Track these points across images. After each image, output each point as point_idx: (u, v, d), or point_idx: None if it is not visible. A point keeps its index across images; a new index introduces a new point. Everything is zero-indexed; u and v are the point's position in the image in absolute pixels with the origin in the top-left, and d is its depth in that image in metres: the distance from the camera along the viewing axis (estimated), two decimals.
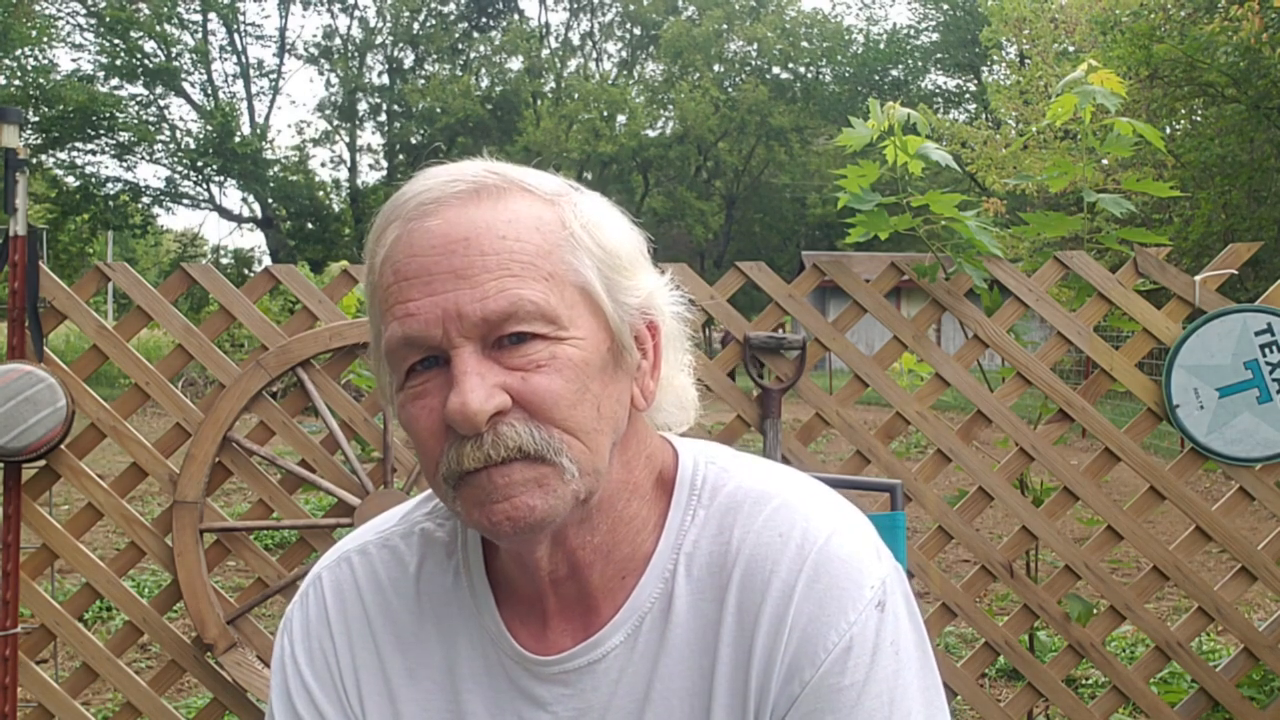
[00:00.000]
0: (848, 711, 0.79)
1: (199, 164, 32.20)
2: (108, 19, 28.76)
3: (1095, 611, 2.57)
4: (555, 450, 0.76)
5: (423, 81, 36.59)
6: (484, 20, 39.31)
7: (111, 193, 30.26)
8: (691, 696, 0.83)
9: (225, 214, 35.96)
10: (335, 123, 38.09)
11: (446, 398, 0.75)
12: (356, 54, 37.68)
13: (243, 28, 35.29)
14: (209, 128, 31.84)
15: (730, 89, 37.23)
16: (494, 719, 0.86)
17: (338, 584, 0.92)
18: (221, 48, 35.32)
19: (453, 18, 38.94)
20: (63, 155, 28.92)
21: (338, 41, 37.63)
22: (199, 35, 33.61)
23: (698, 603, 0.84)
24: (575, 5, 40.41)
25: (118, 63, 29.89)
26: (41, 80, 26.42)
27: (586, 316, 0.79)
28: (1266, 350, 2.44)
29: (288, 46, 37.19)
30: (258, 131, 34.83)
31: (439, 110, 34.65)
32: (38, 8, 26.77)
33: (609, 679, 0.84)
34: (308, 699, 0.89)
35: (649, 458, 0.87)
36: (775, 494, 0.86)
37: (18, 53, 25.45)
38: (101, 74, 29.77)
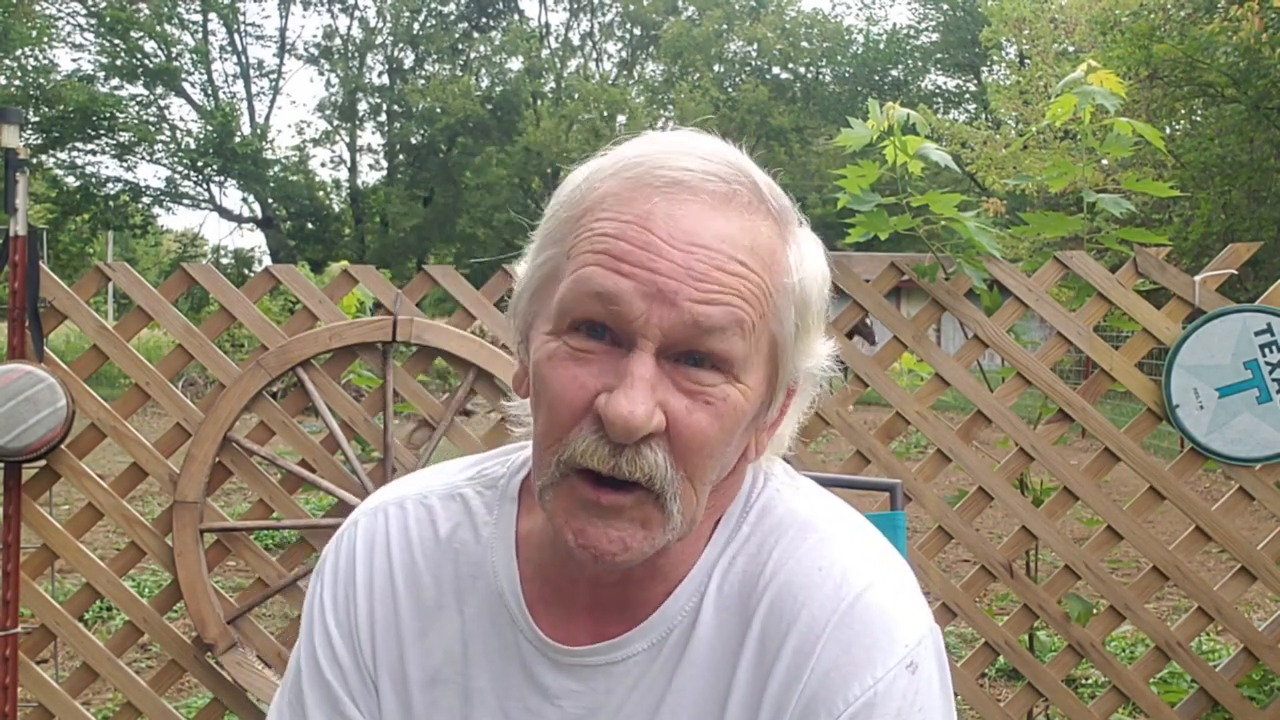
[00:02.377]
0: None
1: (199, 164, 32.19)
2: (108, 19, 28.76)
3: (1095, 611, 2.57)
4: (674, 495, 0.73)
5: (423, 81, 36.57)
6: (484, 20, 39.30)
7: (112, 193, 30.25)
8: (701, 716, 0.80)
9: (225, 214, 35.96)
10: (335, 123, 38.08)
11: (606, 384, 0.70)
12: (356, 54, 37.67)
13: (243, 28, 35.29)
14: (209, 128, 31.83)
15: (730, 89, 37.22)
16: (500, 700, 0.84)
17: (370, 534, 0.90)
18: (222, 48, 35.33)
19: (453, 18, 38.93)
20: (63, 155, 28.92)
21: (338, 41, 37.63)
22: (199, 35, 33.61)
23: (724, 620, 0.81)
24: (575, 5, 40.41)
25: (118, 63, 29.88)
26: (42, 80, 26.42)
27: (762, 367, 0.75)
28: (1266, 350, 2.44)
29: (288, 46, 37.21)
30: (258, 132, 34.82)
31: (439, 110, 34.61)
32: (38, 8, 26.77)
33: (625, 684, 0.82)
34: (327, 644, 0.88)
35: (726, 493, 0.84)
36: (823, 526, 0.82)
37: (18, 53, 25.45)
38: (102, 74, 29.76)
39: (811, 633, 0.77)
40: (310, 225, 36.23)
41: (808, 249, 0.79)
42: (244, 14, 35.44)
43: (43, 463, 2.53)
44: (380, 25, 37.96)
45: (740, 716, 0.79)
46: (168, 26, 31.34)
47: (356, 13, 37.69)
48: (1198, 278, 2.51)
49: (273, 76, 37.46)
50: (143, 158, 31.15)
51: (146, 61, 30.61)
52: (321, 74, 38.50)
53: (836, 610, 0.77)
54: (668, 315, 0.70)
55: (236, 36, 35.28)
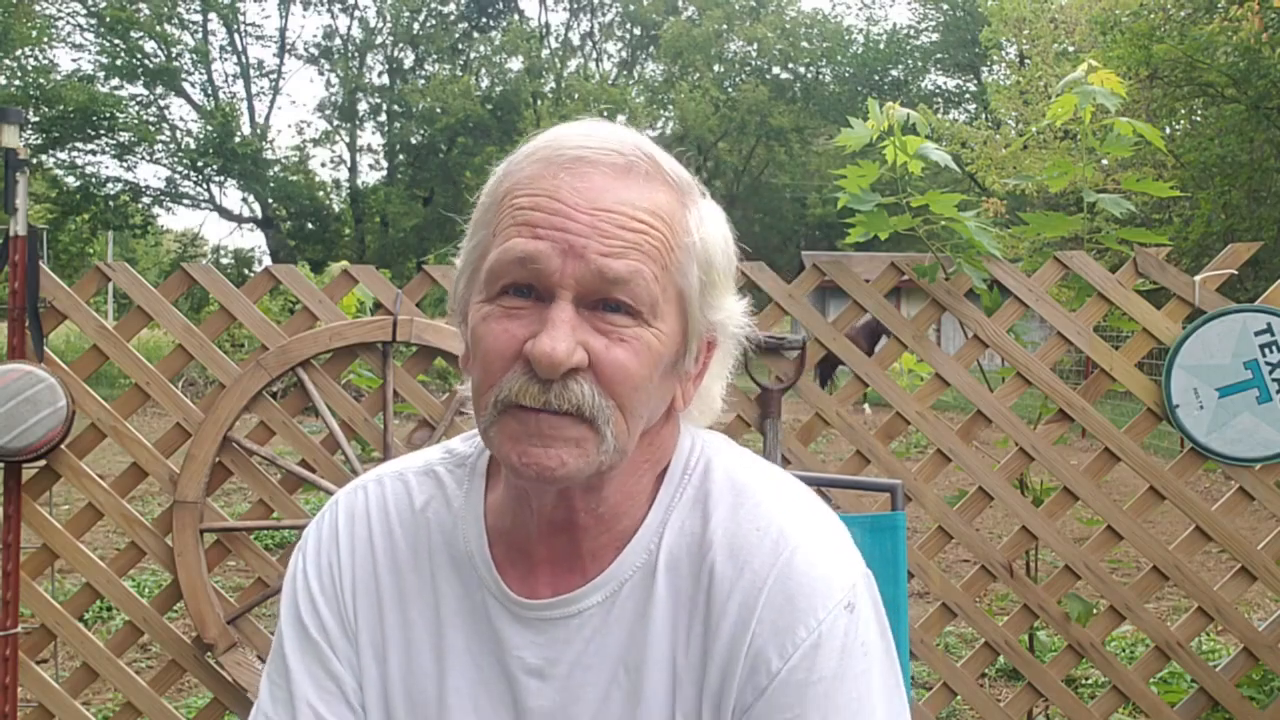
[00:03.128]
0: (818, 706, 0.82)
1: (199, 164, 32.19)
2: (108, 19, 28.76)
3: (1095, 611, 2.57)
4: (606, 420, 0.81)
5: (423, 82, 36.57)
6: (484, 20, 39.29)
7: (112, 193, 30.25)
8: (657, 668, 0.87)
9: (225, 214, 35.96)
10: (335, 123, 38.08)
11: (532, 332, 0.79)
12: (356, 54, 37.67)
13: (243, 28, 35.29)
14: (209, 128, 31.83)
15: (730, 89, 37.22)
16: (470, 654, 0.91)
17: (351, 507, 0.98)
18: (222, 48, 35.34)
19: (453, 18, 38.91)
20: (63, 155, 28.93)
21: (338, 42, 37.63)
22: (199, 35, 33.63)
23: (675, 580, 0.88)
24: (575, 5, 40.40)
25: (118, 63, 29.88)
26: (42, 80, 26.43)
27: (674, 317, 0.84)
28: (1266, 350, 2.44)
29: (288, 47, 37.21)
30: (258, 132, 34.84)
31: (439, 110, 34.61)
32: (38, 8, 26.78)
33: (581, 635, 0.88)
34: (312, 608, 0.95)
35: (664, 446, 0.92)
36: (759, 489, 0.90)
37: (18, 53, 25.46)
38: (102, 74, 29.76)
39: (754, 588, 0.84)
40: (310, 225, 36.23)
41: (708, 214, 0.89)
42: (244, 14, 35.47)
43: (43, 463, 2.53)
44: (380, 25, 37.98)
45: (690, 669, 0.86)
46: (168, 26, 31.35)
47: (356, 13, 37.71)
48: (1198, 278, 2.51)
49: (273, 76, 37.49)
50: (143, 158, 31.16)
51: (146, 61, 30.62)
52: (321, 74, 38.54)
53: (775, 566, 0.84)
54: (580, 268, 0.79)
55: (236, 36, 35.30)
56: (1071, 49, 18.32)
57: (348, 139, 38.39)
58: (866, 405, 10.01)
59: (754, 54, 38.21)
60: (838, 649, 0.82)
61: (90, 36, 29.75)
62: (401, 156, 38.01)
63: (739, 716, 0.84)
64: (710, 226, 0.88)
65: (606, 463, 0.82)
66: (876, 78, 37.30)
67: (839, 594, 0.84)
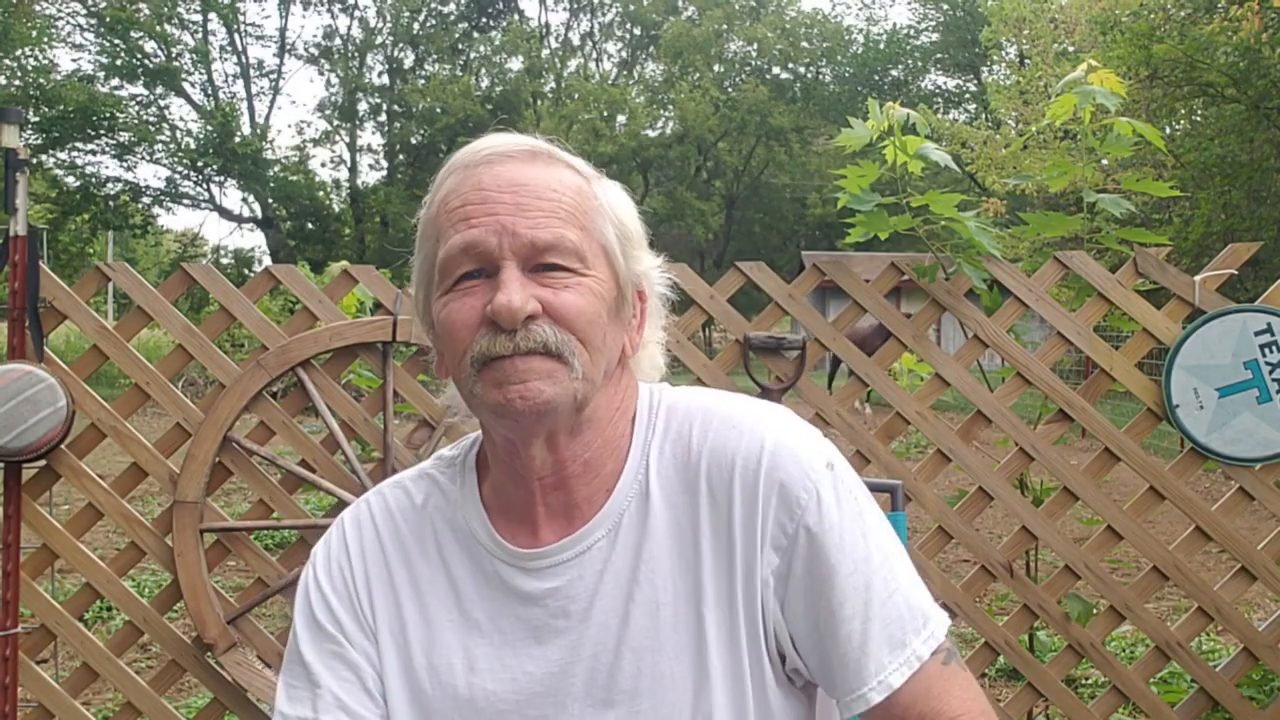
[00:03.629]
0: (835, 548, 0.94)
1: (199, 164, 32.17)
2: (108, 19, 28.74)
3: (1095, 611, 2.57)
4: (570, 352, 0.91)
5: (423, 82, 36.55)
6: (484, 20, 39.29)
7: (112, 193, 30.24)
8: (676, 575, 0.96)
9: (225, 214, 35.93)
10: (335, 123, 38.06)
11: (490, 299, 0.90)
12: (356, 54, 37.65)
13: (243, 28, 35.26)
14: (209, 128, 31.82)
15: (730, 89, 37.20)
16: (494, 621, 0.99)
17: (357, 518, 1.06)
18: (222, 48, 35.30)
19: (453, 18, 38.91)
20: (63, 155, 28.90)
21: (338, 42, 37.61)
22: (199, 35, 33.60)
23: (670, 496, 0.98)
24: (575, 5, 40.40)
25: (118, 63, 29.86)
26: (42, 80, 26.41)
27: (604, 266, 0.96)
28: (1266, 350, 2.44)
29: (288, 47, 37.18)
30: (258, 132, 34.81)
31: (439, 110, 34.60)
32: (38, 8, 26.78)
33: (594, 569, 0.97)
34: (325, 607, 1.02)
35: (627, 393, 1.02)
36: (720, 404, 1.02)
37: (18, 53, 25.44)
38: (102, 74, 29.75)
39: (749, 471, 0.96)
40: (310, 225, 36.21)
41: (610, 188, 1.01)
42: (244, 14, 35.43)
43: (43, 463, 2.53)
44: (380, 25, 37.96)
45: (717, 566, 0.96)
46: (168, 26, 31.33)
47: (356, 13, 37.69)
48: (1198, 278, 2.51)
49: (273, 76, 37.47)
50: (143, 158, 31.14)
51: (146, 61, 30.60)
52: (321, 74, 38.51)
53: (762, 451, 0.96)
54: (514, 242, 0.91)
55: (236, 36, 35.28)
56: (1071, 49, 18.32)
57: (348, 139, 38.39)
58: (867, 405, 10.02)
59: (754, 54, 38.20)
60: (833, 499, 0.95)
61: (90, 36, 29.76)
62: (401, 156, 38.01)
63: (774, 576, 0.95)
64: (614, 194, 1.01)
65: (580, 390, 0.92)
66: (876, 78, 37.29)
67: (819, 458, 0.97)
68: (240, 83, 36.16)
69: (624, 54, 41.70)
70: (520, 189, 0.93)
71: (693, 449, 0.98)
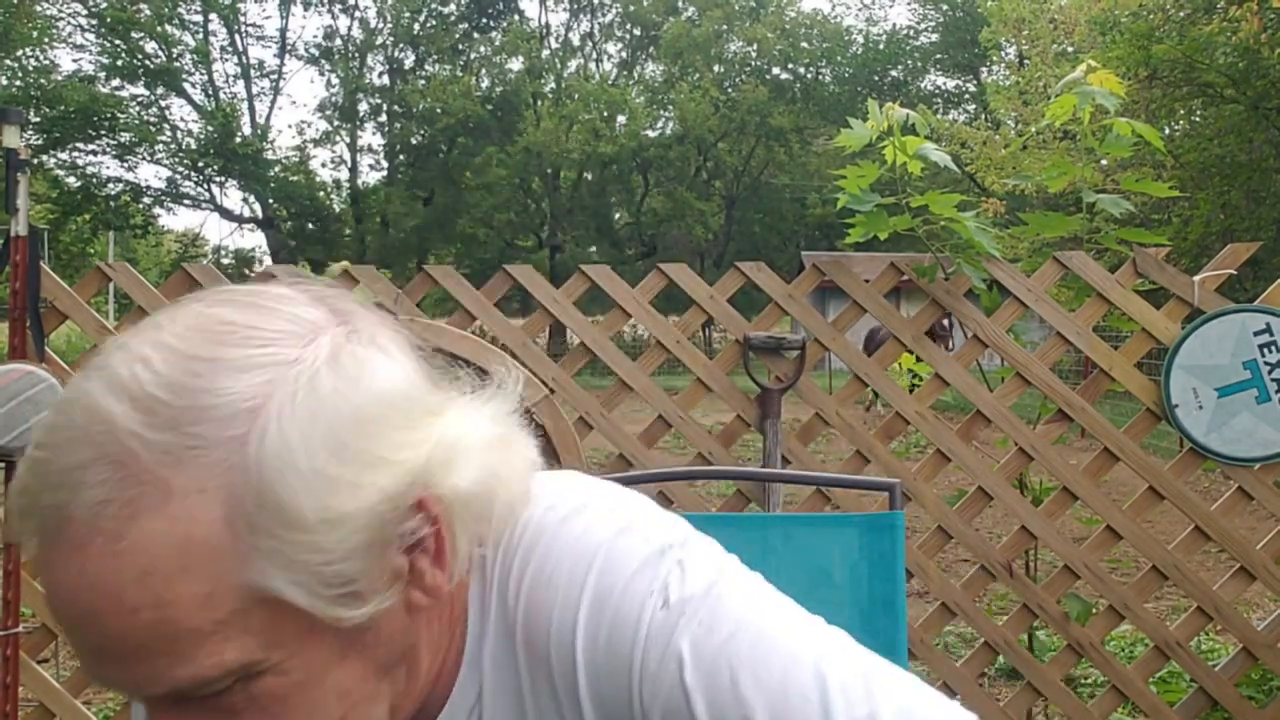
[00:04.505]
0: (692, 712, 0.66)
1: (200, 164, 32.17)
2: (109, 20, 28.74)
3: (1094, 611, 2.58)
4: None
5: (423, 82, 36.53)
6: (484, 21, 39.26)
7: (112, 193, 30.22)
8: None
9: (226, 214, 35.91)
10: (336, 123, 38.03)
11: None
12: (357, 55, 37.64)
13: (243, 28, 35.26)
14: (210, 128, 31.81)
15: (730, 89, 37.19)
16: None
17: None
18: (222, 48, 35.27)
19: (453, 18, 38.89)
20: (64, 156, 28.90)
21: (338, 42, 37.60)
22: (200, 36, 33.58)
23: (500, 674, 0.73)
24: (575, 6, 40.39)
25: (119, 63, 29.86)
26: (42, 81, 26.42)
27: (289, 630, 0.59)
28: (1265, 350, 2.44)
29: (288, 47, 37.17)
30: (258, 132, 34.80)
31: (439, 111, 34.58)
32: (38, 8, 26.77)
33: None
34: None
35: (447, 623, 0.73)
36: (541, 537, 0.72)
37: (19, 53, 25.45)
38: (102, 75, 29.74)
39: (566, 640, 0.69)
40: (311, 225, 36.20)
41: (292, 413, 0.58)
42: (244, 14, 35.39)
43: None
44: (380, 26, 37.95)
45: None
46: (168, 27, 31.32)
47: (357, 13, 37.69)
48: (1197, 278, 2.51)
49: (273, 77, 37.44)
50: (143, 158, 31.13)
51: (147, 62, 30.59)
52: (322, 74, 38.51)
53: (579, 608, 0.69)
54: (140, 694, 0.59)
55: (237, 37, 35.27)
56: (1071, 49, 18.32)
57: (348, 139, 38.38)
58: (880, 404, 10.02)
59: (754, 54, 38.19)
60: (674, 658, 0.67)
61: (91, 37, 29.75)
62: (402, 157, 37.98)
63: None
64: (290, 444, 0.57)
65: None
66: (876, 78, 37.29)
67: (650, 600, 0.68)
68: (241, 83, 36.15)
69: (624, 54, 41.69)
70: (88, 624, 0.56)
71: (509, 610, 0.72)
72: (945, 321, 2.55)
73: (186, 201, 34.06)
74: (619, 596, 0.69)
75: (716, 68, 38.11)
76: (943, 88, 38.24)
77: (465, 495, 0.66)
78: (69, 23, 29.19)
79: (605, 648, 0.68)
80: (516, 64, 37.92)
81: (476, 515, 0.68)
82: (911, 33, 37.97)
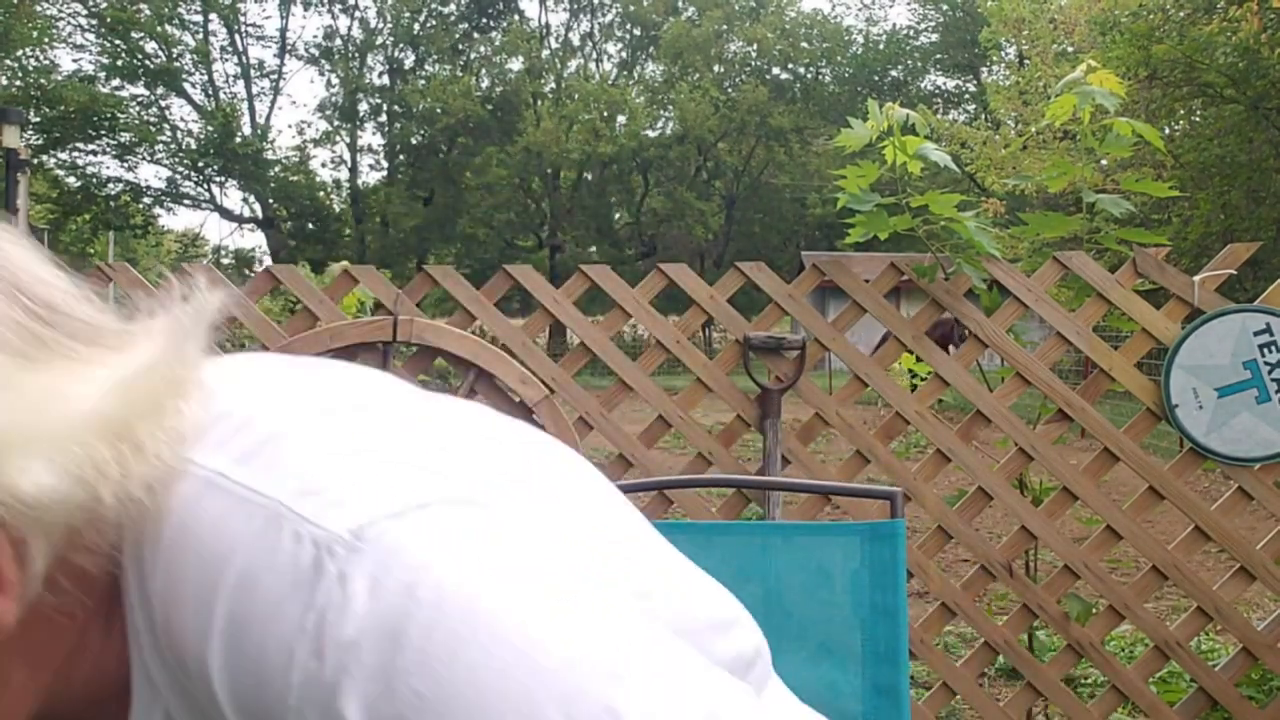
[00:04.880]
0: None
1: (200, 164, 32.20)
2: (109, 20, 28.77)
3: (1094, 611, 2.58)
4: None
5: (423, 82, 36.54)
6: (484, 21, 39.27)
7: (113, 193, 30.27)
8: None
9: (226, 214, 35.94)
10: (336, 123, 38.04)
11: None
12: (357, 55, 37.65)
13: (243, 28, 35.27)
14: (210, 128, 31.84)
15: (730, 89, 37.20)
16: None
17: None
18: (222, 48, 35.29)
19: (453, 18, 38.90)
20: (64, 156, 28.95)
21: (338, 42, 37.61)
22: (200, 36, 33.60)
23: (171, 690, 0.54)
24: (575, 6, 40.39)
25: (119, 63, 29.90)
26: (42, 81, 26.45)
27: None
28: (1265, 350, 2.44)
29: (288, 47, 37.19)
30: (259, 132, 34.81)
31: (439, 111, 34.58)
32: (38, 8, 26.78)
33: None
34: None
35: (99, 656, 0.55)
36: (171, 517, 0.51)
37: (19, 53, 25.46)
38: (102, 75, 29.78)
39: (200, 666, 0.50)
40: (311, 225, 36.21)
41: None
42: (244, 14, 35.39)
43: None
44: (380, 26, 37.96)
45: None
46: (168, 27, 31.35)
47: (357, 13, 37.69)
48: (1197, 278, 2.51)
49: (273, 77, 37.45)
50: (143, 158, 31.17)
51: (147, 62, 30.62)
52: (322, 74, 38.51)
53: (210, 623, 0.49)
54: None
55: (237, 37, 35.28)
56: (1071, 49, 18.32)
57: (348, 139, 38.38)
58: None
59: (754, 54, 38.19)
60: (350, 717, 0.46)
61: (91, 37, 29.79)
62: (402, 157, 37.99)
63: None
64: None
65: None
66: (876, 78, 37.31)
67: (295, 652, 0.47)
68: (241, 83, 36.16)
69: (624, 54, 41.69)
70: None
71: (153, 619, 0.52)
72: (964, 332, 2.55)
73: (186, 201, 34.10)
74: (259, 636, 0.48)
75: (716, 68, 38.11)
76: (943, 88, 38.27)
77: (33, 500, 0.47)
78: (69, 23, 29.24)
79: (256, 703, 0.49)
80: (516, 64, 37.93)
81: (66, 523, 0.49)
82: (911, 33, 38.00)
